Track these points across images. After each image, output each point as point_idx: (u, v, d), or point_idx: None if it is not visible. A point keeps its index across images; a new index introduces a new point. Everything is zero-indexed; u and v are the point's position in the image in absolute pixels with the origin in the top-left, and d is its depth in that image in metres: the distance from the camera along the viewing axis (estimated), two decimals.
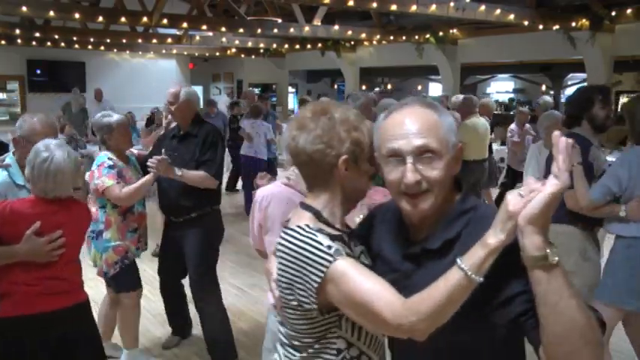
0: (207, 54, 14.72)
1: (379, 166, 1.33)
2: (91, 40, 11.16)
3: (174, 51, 13.58)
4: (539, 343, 1.08)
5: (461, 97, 7.04)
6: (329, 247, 1.25)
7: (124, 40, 11.33)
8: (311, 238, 1.28)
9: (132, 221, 3.28)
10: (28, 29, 10.10)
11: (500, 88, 17.35)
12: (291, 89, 17.62)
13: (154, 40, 11.46)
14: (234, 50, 13.93)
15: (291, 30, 9.41)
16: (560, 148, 1.01)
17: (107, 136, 3.25)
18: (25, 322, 2.20)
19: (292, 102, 17.42)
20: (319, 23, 9.52)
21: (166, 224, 3.56)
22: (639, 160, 2.75)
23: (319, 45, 12.54)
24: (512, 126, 7.10)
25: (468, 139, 5.65)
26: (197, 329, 3.76)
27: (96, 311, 4.07)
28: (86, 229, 2.50)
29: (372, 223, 1.49)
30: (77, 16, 7.80)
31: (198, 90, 3.17)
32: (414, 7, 6.98)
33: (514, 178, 7.06)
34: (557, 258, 1.01)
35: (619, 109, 9.88)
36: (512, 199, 1.04)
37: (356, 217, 1.57)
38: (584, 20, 8.04)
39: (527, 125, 7.04)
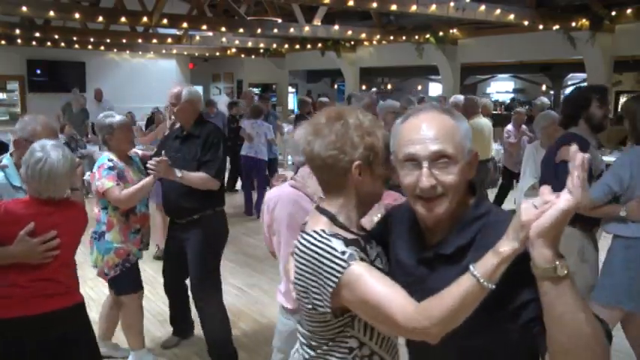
0: (207, 54, 14.72)
1: (395, 169, 1.35)
2: (91, 40, 11.16)
3: (174, 51, 13.59)
4: (545, 350, 1.10)
5: (459, 97, 7.03)
6: (343, 252, 1.29)
7: (124, 40, 11.33)
8: (326, 244, 1.31)
9: (134, 222, 3.27)
10: (28, 29, 10.10)
11: (500, 88, 17.37)
12: (291, 89, 17.62)
13: (154, 40, 11.46)
14: (234, 50, 13.93)
15: (291, 30, 9.41)
16: (577, 163, 1.00)
17: (108, 137, 3.24)
18: (20, 323, 2.18)
19: (292, 102, 17.42)
20: (319, 23, 9.52)
21: (170, 225, 3.56)
22: None
23: (319, 45, 12.55)
24: (509, 127, 7.10)
25: (472, 139, 5.64)
26: (197, 329, 3.76)
27: (96, 311, 4.07)
28: (82, 230, 2.46)
29: (388, 224, 1.52)
30: (77, 16, 7.80)
31: (198, 90, 3.18)
32: (414, 7, 6.98)
33: (510, 179, 7.07)
34: (565, 271, 1.02)
35: (619, 109, 9.88)
36: (526, 209, 1.04)
37: (374, 217, 1.58)
38: (584, 20, 8.04)
39: (524, 126, 7.05)
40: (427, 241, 1.36)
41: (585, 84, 8.57)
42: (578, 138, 2.92)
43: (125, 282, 3.29)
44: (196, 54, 14.66)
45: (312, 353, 1.45)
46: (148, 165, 3.11)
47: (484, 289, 1.08)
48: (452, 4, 7.09)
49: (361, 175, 1.37)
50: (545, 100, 7.25)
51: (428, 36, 10.24)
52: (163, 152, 3.24)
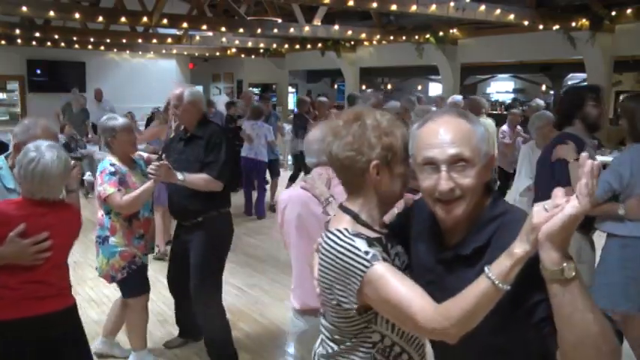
0: (207, 54, 14.72)
1: (414, 173, 1.38)
2: (91, 40, 11.15)
3: (174, 51, 13.58)
4: (556, 348, 1.14)
5: (458, 97, 7.04)
6: (366, 252, 1.33)
7: (124, 40, 11.33)
8: (349, 244, 1.36)
9: (137, 227, 3.25)
10: (28, 29, 10.10)
11: (501, 88, 17.36)
12: (291, 89, 17.61)
13: (154, 40, 11.45)
14: (234, 50, 13.93)
15: (291, 30, 9.41)
16: (585, 171, 1.02)
17: (111, 140, 3.22)
18: (9, 326, 2.15)
19: (292, 102, 17.42)
20: (319, 23, 9.51)
21: (176, 227, 3.55)
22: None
23: (319, 45, 12.54)
24: (504, 127, 7.11)
25: None
26: None
27: (96, 311, 4.07)
28: (76, 233, 2.44)
29: (410, 217, 1.55)
30: (77, 16, 7.80)
31: (200, 90, 3.17)
32: (414, 7, 6.98)
33: (506, 180, 7.07)
34: (573, 273, 1.05)
35: (619, 109, 9.88)
36: (537, 212, 1.07)
37: (395, 209, 1.61)
38: (584, 20, 8.04)
39: (519, 127, 7.06)
40: (446, 241, 1.39)
41: (585, 84, 8.57)
42: (574, 138, 2.92)
43: (132, 284, 3.28)
44: (196, 54, 14.65)
45: (335, 348, 1.50)
46: (148, 170, 3.08)
47: (499, 291, 1.11)
48: (452, 4, 7.09)
49: (379, 174, 1.41)
50: (540, 101, 7.29)
51: (428, 36, 10.24)
52: (164, 156, 3.22)
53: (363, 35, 10.41)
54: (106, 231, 3.20)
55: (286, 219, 2.34)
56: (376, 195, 1.45)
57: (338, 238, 1.39)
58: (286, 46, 12.89)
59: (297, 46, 12.76)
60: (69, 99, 10.32)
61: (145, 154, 3.69)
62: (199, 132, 3.32)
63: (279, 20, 9.06)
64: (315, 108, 9.11)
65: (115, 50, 13.35)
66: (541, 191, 3.13)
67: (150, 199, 3.33)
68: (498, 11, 7.45)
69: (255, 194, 7.72)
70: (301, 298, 2.30)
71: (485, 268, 1.13)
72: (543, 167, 3.08)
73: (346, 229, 1.40)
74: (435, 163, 1.29)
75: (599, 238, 3.05)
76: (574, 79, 13.45)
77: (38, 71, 13.16)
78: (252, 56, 14.75)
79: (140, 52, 13.88)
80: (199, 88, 3.63)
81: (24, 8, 7.23)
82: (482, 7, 7.33)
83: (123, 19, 8.25)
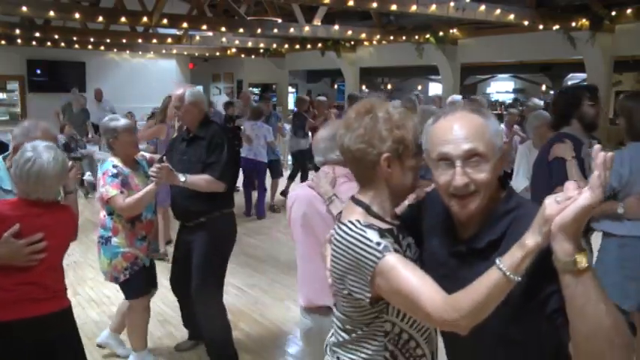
0: (207, 54, 14.73)
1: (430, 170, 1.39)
2: (91, 40, 11.16)
3: (174, 51, 13.59)
4: (568, 339, 1.14)
5: (457, 97, 7.03)
6: (378, 243, 1.35)
7: (124, 40, 11.33)
8: (361, 235, 1.37)
9: (140, 229, 3.24)
10: (28, 29, 10.10)
11: (501, 88, 17.36)
12: (291, 89, 17.61)
13: (154, 40, 11.46)
14: (234, 50, 13.93)
15: (291, 30, 9.41)
16: (598, 162, 1.02)
17: (113, 141, 3.21)
18: (5, 327, 2.14)
19: (292, 102, 17.42)
20: (319, 23, 9.51)
21: (179, 228, 3.55)
22: (639, 155, 2.74)
23: (319, 45, 12.55)
24: (502, 127, 7.09)
25: None
26: None
27: (96, 311, 4.07)
28: (71, 234, 2.43)
29: (421, 210, 1.56)
30: (77, 16, 7.80)
31: (200, 90, 3.17)
32: (414, 7, 6.98)
33: (504, 179, 7.06)
34: (586, 264, 1.06)
35: (617, 108, 9.87)
36: (550, 204, 1.07)
37: (406, 200, 1.61)
38: (584, 20, 8.04)
39: (516, 127, 7.06)
40: (460, 234, 1.40)
41: (585, 84, 8.57)
42: (571, 137, 2.91)
43: (134, 285, 3.28)
44: (196, 54, 14.66)
45: (346, 337, 1.51)
46: (149, 172, 3.07)
47: (510, 282, 1.11)
48: (452, 4, 7.09)
49: (390, 167, 1.42)
50: (537, 101, 7.27)
51: (428, 36, 10.24)
52: (164, 158, 3.22)
53: (363, 35, 10.41)
54: (108, 232, 3.20)
55: (292, 217, 2.36)
56: (387, 187, 1.45)
57: (350, 229, 1.40)
58: (286, 46, 12.90)
59: (297, 46, 12.76)
60: (69, 99, 10.32)
61: (148, 155, 3.67)
62: (201, 132, 3.31)
63: (279, 20, 9.06)
64: (314, 107, 9.12)
65: (115, 50, 13.35)
66: (537, 192, 3.10)
67: (153, 201, 3.32)
68: (498, 11, 7.45)
69: (255, 194, 7.71)
70: (307, 296, 2.31)
71: (497, 260, 1.13)
72: (540, 168, 3.07)
73: (358, 221, 1.40)
74: (450, 159, 1.30)
75: (595, 240, 3.04)
76: (574, 79, 13.44)
77: (38, 71, 13.17)
78: (252, 56, 14.76)
79: (140, 52, 13.89)
80: (199, 88, 3.62)
81: (24, 8, 7.23)
82: (482, 7, 7.33)
83: (123, 19, 8.26)
